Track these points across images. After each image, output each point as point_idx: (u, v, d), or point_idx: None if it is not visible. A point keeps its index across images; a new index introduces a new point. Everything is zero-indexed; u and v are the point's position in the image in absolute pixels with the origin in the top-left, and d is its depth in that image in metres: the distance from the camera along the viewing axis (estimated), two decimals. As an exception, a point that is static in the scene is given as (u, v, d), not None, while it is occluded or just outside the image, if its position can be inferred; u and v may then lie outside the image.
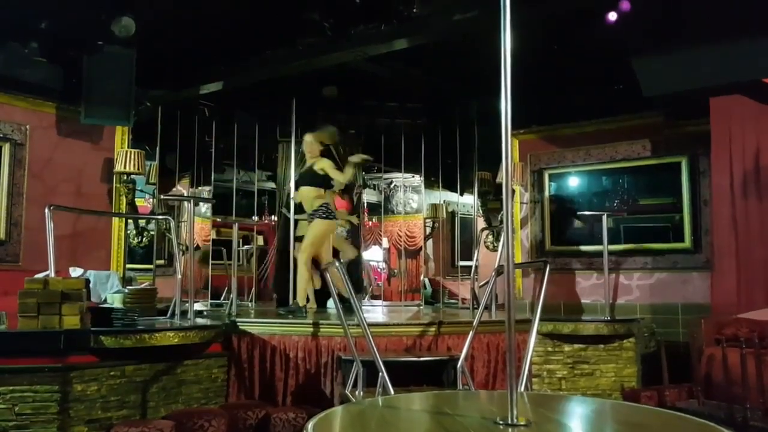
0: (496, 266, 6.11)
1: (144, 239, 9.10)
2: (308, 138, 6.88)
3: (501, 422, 2.15)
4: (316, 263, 6.99)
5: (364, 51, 6.68)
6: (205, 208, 9.94)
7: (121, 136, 7.40)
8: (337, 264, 4.77)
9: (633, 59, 6.06)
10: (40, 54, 6.50)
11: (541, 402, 2.94)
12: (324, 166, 6.71)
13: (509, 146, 2.30)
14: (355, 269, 8.70)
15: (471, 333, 4.99)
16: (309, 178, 6.83)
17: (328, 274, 5.16)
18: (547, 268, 4.62)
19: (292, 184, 7.95)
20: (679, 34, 5.80)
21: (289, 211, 7.95)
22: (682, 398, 5.11)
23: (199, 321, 5.57)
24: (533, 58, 6.30)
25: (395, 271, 11.98)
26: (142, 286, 7.09)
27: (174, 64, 7.26)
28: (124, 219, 7.46)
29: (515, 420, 2.13)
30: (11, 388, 4.13)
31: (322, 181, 6.76)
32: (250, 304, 8.43)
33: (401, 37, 6.36)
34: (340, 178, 6.70)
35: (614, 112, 7.39)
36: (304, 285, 6.69)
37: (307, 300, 6.92)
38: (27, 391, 4.16)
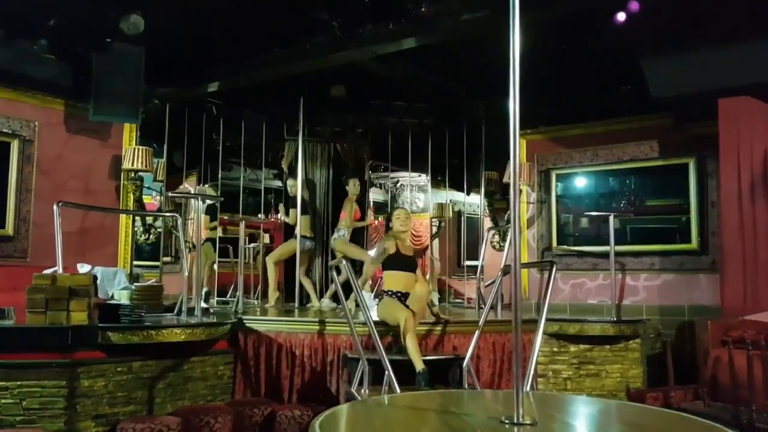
0: (502, 266, 6.10)
1: (151, 236, 9.14)
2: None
3: (507, 421, 2.16)
4: None
5: (373, 50, 6.69)
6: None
7: (129, 133, 7.43)
8: (344, 262, 4.78)
9: (642, 60, 6.05)
10: (50, 51, 6.54)
11: (546, 402, 2.94)
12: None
13: (517, 146, 2.31)
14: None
15: (477, 332, 4.99)
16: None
17: (334, 272, 5.18)
18: (554, 268, 4.62)
19: (299, 183, 7.97)
20: (688, 36, 5.78)
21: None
22: (687, 400, 5.10)
23: (206, 318, 5.59)
24: (542, 58, 6.29)
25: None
26: (149, 282, 7.12)
27: (182, 62, 7.28)
28: (131, 216, 7.48)
29: (521, 419, 2.13)
30: (19, 383, 4.16)
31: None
32: (256, 302, 8.45)
33: (410, 36, 6.36)
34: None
35: (622, 113, 7.37)
36: None
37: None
38: (34, 386, 4.19)
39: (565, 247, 7.85)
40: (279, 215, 8.89)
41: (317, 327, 5.51)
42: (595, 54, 6.59)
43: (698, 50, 5.82)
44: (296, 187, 8.04)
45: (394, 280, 5.48)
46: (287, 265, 8.40)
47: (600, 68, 6.76)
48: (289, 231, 8.45)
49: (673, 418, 2.56)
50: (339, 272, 6.22)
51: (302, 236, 7.94)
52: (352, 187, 8.28)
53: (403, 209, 6.04)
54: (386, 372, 4.28)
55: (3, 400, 4.12)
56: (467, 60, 7.36)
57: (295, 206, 8.02)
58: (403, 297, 5.37)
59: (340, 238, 8.01)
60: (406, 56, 7.03)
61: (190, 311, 5.51)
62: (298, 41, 6.87)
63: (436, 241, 11.40)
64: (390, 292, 5.43)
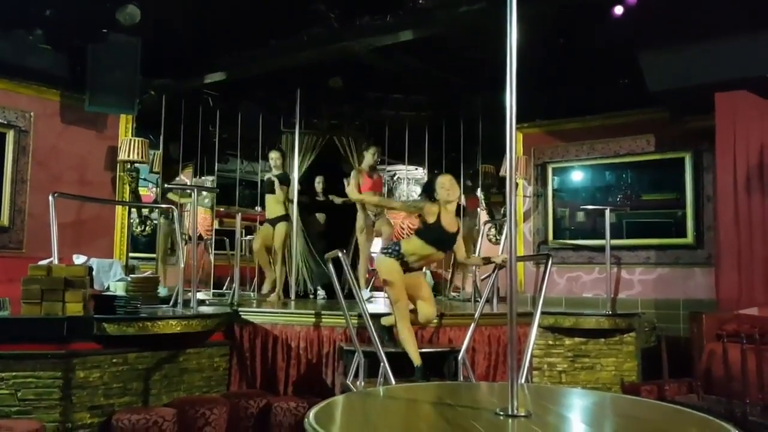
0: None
1: (147, 228, 9.12)
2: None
3: (501, 413, 2.17)
4: None
5: (370, 42, 6.67)
6: (207, 198, 9.96)
7: (125, 124, 7.42)
8: (340, 254, 4.77)
9: (639, 54, 6.05)
10: (45, 41, 6.50)
11: (541, 394, 2.95)
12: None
13: (513, 139, 2.31)
14: None
15: (472, 325, 5.00)
16: None
17: (330, 265, 5.17)
18: (550, 262, 4.62)
19: (296, 175, 7.95)
20: (685, 30, 5.78)
21: None
22: (681, 393, 5.13)
23: (202, 310, 5.59)
24: (539, 51, 6.29)
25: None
26: (145, 274, 7.11)
27: (179, 53, 7.25)
28: (127, 207, 7.47)
29: (515, 411, 2.14)
30: (14, 373, 4.16)
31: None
32: (252, 294, 8.45)
33: (407, 28, 6.35)
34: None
35: (619, 107, 7.36)
36: None
37: None
38: (30, 377, 4.19)
39: (561, 240, 7.86)
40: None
41: (313, 319, 5.52)
42: (592, 47, 6.59)
43: (695, 44, 5.82)
44: (280, 159, 7.66)
45: (420, 250, 4.68)
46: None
47: (597, 62, 6.76)
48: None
49: (668, 410, 2.57)
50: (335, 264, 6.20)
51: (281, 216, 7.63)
52: (369, 156, 7.44)
53: (448, 176, 4.89)
54: (382, 364, 4.29)
55: (-2, 391, 4.13)
56: (465, 53, 7.35)
57: (272, 191, 7.56)
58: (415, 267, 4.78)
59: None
60: (404, 49, 7.02)
61: (186, 303, 5.51)
62: (295, 32, 6.85)
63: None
64: (403, 256, 4.70)
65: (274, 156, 7.68)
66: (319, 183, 8.76)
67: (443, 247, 4.78)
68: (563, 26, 6.52)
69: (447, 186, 4.69)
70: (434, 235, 4.64)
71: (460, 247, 4.87)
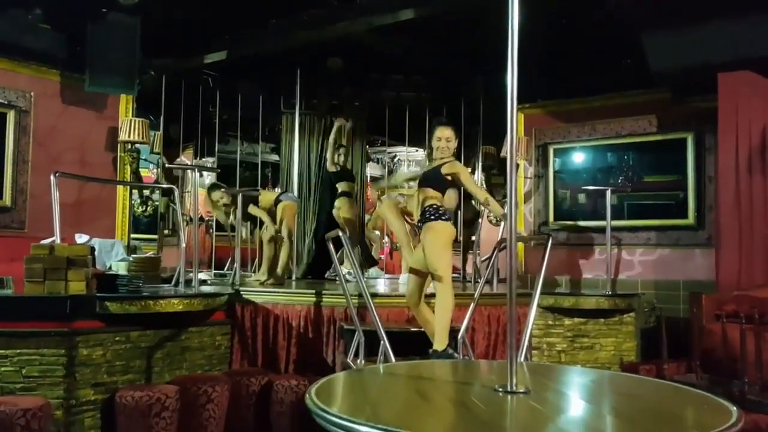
0: (498, 240, 6.11)
1: (148, 209, 9.14)
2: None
3: (500, 390, 2.19)
4: None
5: (370, 22, 6.63)
6: (208, 179, 9.99)
7: (125, 104, 7.40)
8: (341, 233, 4.78)
9: (641, 34, 6.00)
10: (44, 21, 6.47)
11: (540, 372, 2.98)
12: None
13: (515, 120, 2.30)
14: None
15: (472, 305, 5.02)
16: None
17: (330, 244, 5.17)
18: (550, 242, 4.63)
19: (296, 157, 7.93)
20: (688, 9, 5.73)
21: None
22: (680, 372, 5.16)
23: (204, 289, 5.62)
24: (541, 31, 6.24)
25: (397, 244, 12.01)
26: (147, 255, 7.13)
27: (179, 33, 7.22)
28: (128, 188, 7.48)
29: (514, 388, 2.16)
30: (18, 351, 4.20)
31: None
32: (252, 275, 8.48)
33: (407, 7, 6.30)
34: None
35: (621, 87, 7.33)
36: None
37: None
38: (34, 355, 4.23)
39: (561, 221, 7.86)
40: (276, 188, 8.76)
41: (314, 298, 5.55)
42: (593, 27, 6.54)
43: (698, 24, 5.77)
44: (224, 198, 7.13)
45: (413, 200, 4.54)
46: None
47: (599, 42, 6.71)
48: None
49: (667, 388, 2.59)
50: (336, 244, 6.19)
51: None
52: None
53: (447, 132, 4.50)
54: (382, 342, 4.32)
55: (3, 368, 4.17)
56: (466, 33, 7.30)
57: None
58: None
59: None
60: (405, 29, 6.97)
61: (188, 282, 5.54)
62: (295, 13, 6.81)
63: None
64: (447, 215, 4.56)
65: (217, 197, 7.10)
66: (340, 155, 8.11)
67: (430, 185, 4.52)
68: (565, 6, 6.47)
69: (442, 143, 4.49)
70: (423, 177, 4.63)
71: (475, 191, 4.73)
